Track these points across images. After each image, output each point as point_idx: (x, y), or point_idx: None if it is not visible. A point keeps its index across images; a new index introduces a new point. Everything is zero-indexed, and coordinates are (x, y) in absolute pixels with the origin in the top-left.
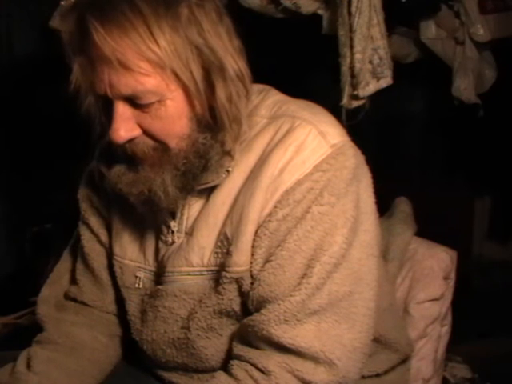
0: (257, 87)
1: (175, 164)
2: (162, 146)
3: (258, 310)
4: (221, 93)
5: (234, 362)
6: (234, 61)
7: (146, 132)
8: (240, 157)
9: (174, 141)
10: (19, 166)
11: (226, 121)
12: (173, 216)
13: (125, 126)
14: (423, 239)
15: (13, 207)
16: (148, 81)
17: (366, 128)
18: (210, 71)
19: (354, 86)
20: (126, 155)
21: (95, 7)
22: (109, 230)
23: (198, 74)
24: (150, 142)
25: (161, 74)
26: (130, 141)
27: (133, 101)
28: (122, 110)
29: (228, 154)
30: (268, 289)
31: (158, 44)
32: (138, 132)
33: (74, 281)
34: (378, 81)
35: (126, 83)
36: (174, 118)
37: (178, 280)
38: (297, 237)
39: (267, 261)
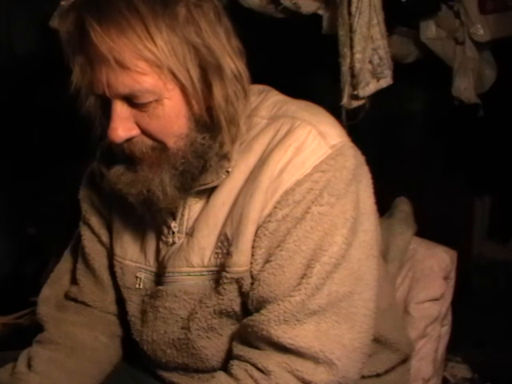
0: (257, 88)
1: (173, 164)
2: (160, 145)
3: (257, 310)
4: (218, 93)
5: (234, 362)
6: (231, 61)
7: (144, 131)
8: (240, 157)
9: (172, 140)
10: (18, 166)
11: (222, 121)
12: (173, 216)
13: (123, 126)
14: (423, 239)
15: (12, 207)
16: (145, 80)
17: (366, 128)
18: (208, 71)
19: (354, 86)
20: (124, 155)
21: (93, 6)
22: (109, 230)
23: (195, 73)
24: (149, 142)
25: (158, 73)
26: (128, 140)
27: (131, 100)
28: (120, 109)
29: (226, 155)
30: (268, 289)
31: (155, 43)
32: (136, 131)
33: (74, 281)
34: (378, 81)
35: (123, 82)
36: (172, 117)
37: (179, 280)
38: (296, 237)
39: (267, 261)
